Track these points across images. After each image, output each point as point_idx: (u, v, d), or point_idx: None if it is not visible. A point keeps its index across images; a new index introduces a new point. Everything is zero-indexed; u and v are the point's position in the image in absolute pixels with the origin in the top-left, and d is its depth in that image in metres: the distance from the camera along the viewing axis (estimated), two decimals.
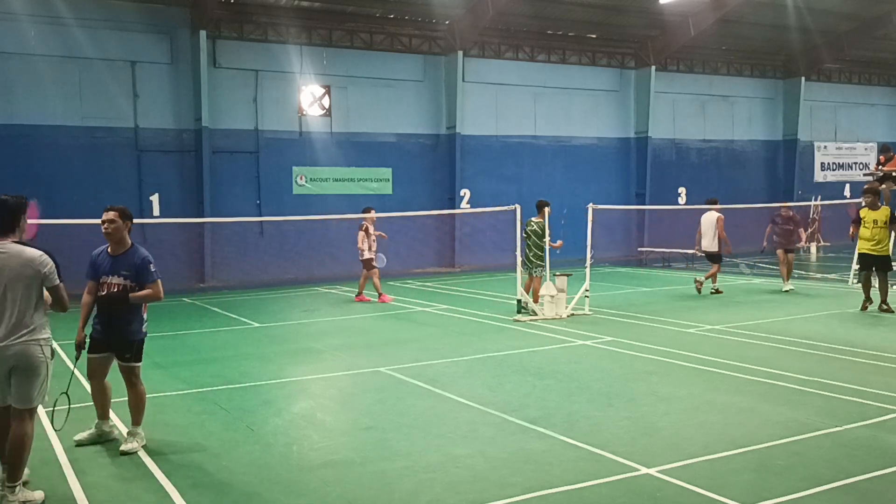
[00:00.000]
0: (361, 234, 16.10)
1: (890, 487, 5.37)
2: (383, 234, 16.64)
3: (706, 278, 16.40)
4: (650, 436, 6.58)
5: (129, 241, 6.83)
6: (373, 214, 16.25)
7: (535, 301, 13.68)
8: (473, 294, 17.33)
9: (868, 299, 13.41)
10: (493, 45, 24.75)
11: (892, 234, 13.77)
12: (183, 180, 20.65)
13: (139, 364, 6.80)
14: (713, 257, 16.68)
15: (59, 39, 19.00)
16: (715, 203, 17.16)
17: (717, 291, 16.28)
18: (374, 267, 16.10)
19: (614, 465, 5.86)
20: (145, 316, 6.80)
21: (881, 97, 33.45)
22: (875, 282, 13.44)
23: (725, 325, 12.23)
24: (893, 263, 13.74)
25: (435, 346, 11.05)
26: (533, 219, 14.16)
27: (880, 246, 13.30)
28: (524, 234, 14.08)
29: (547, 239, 13.79)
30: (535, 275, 14.10)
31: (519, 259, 13.72)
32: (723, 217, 16.64)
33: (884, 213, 13.35)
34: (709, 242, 16.64)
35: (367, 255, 16.08)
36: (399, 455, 6.19)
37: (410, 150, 23.76)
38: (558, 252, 14.43)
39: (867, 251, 13.42)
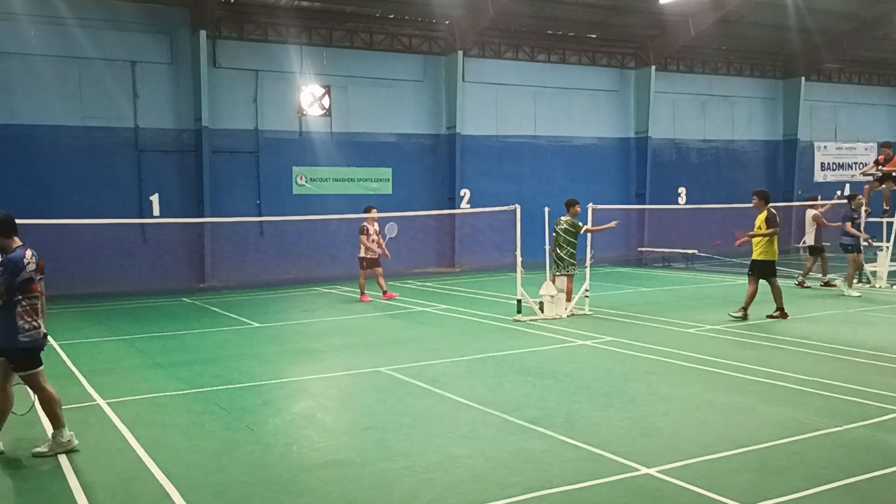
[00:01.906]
0: (363, 237, 16.16)
1: (890, 487, 5.37)
2: (386, 253, 16.49)
3: (806, 274, 17.57)
4: (650, 436, 6.57)
5: (13, 246, 6.46)
6: (373, 214, 16.28)
7: (569, 300, 13.69)
8: (473, 294, 17.32)
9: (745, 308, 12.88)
10: (493, 45, 24.75)
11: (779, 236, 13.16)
12: (183, 180, 20.64)
13: (26, 373, 6.49)
14: (812, 250, 17.65)
15: (59, 39, 19.00)
16: (814, 200, 18.27)
17: (802, 285, 17.09)
18: (366, 268, 16.22)
19: (614, 465, 5.86)
20: (23, 324, 6.35)
21: (881, 97, 33.44)
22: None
23: (725, 325, 12.23)
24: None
25: (435, 346, 11.05)
26: (562, 218, 14.07)
27: (758, 251, 12.84)
28: (553, 234, 13.96)
29: (591, 228, 14.01)
30: (569, 273, 13.87)
31: (520, 260, 13.67)
32: (817, 213, 17.66)
33: (762, 216, 12.86)
34: (810, 238, 17.66)
35: (362, 253, 16.20)
36: (399, 455, 6.18)
37: (410, 150, 23.76)
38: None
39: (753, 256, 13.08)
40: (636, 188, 27.43)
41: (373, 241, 16.19)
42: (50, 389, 6.61)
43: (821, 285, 17.10)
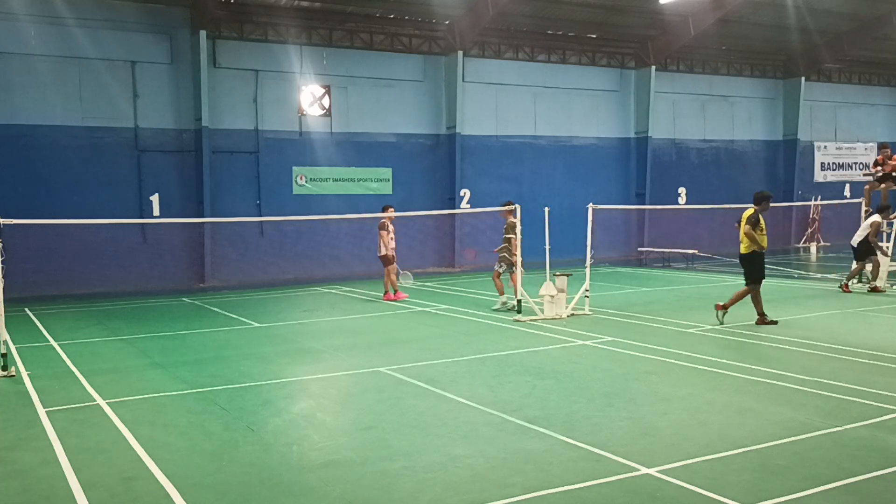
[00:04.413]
0: (384, 233, 16.15)
1: (890, 487, 5.36)
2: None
3: (851, 277, 16.32)
4: (650, 436, 6.57)
5: None
6: (391, 213, 16.31)
7: (502, 293, 14.48)
8: (473, 294, 17.31)
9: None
10: (493, 45, 24.76)
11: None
12: (183, 180, 20.66)
13: None
14: (862, 254, 16.24)
15: (59, 39, 19.01)
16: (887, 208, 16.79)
17: (874, 289, 15.96)
18: (392, 263, 16.21)
19: (614, 465, 5.86)
20: None
21: (881, 97, 33.47)
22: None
23: (725, 325, 12.22)
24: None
25: (435, 346, 11.05)
26: (513, 220, 14.43)
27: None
28: (506, 238, 14.52)
29: (516, 238, 13.99)
30: (513, 272, 14.26)
31: (520, 260, 13.69)
32: (877, 222, 16.16)
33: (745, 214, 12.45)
34: (856, 239, 16.35)
35: (382, 251, 16.19)
36: (399, 455, 6.18)
37: (410, 150, 23.77)
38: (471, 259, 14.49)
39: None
40: (636, 188, 27.44)
41: (392, 238, 16.24)
42: None
43: (868, 290, 16.02)
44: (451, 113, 23.89)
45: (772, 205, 12.73)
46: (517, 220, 14.19)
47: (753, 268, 12.37)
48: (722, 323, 12.16)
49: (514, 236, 14.10)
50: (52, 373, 9.59)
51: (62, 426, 7.11)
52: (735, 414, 7.18)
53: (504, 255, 14.51)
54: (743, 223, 12.37)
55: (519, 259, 13.67)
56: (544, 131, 25.88)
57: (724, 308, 12.28)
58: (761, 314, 12.21)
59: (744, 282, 12.44)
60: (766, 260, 12.66)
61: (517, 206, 13.76)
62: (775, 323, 12.09)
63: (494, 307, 14.57)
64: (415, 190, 23.52)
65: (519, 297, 13.37)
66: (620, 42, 26.68)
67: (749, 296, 12.30)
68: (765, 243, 12.28)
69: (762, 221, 12.26)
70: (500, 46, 24.89)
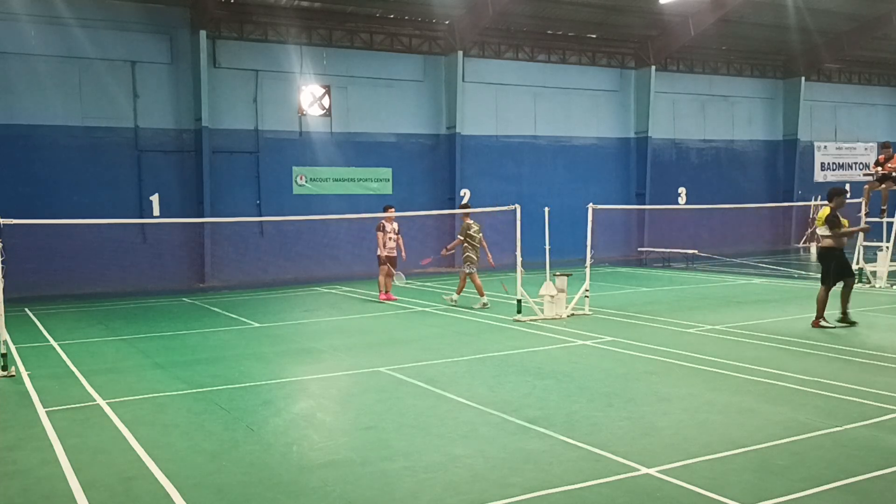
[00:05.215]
0: (379, 234, 16.21)
1: (890, 487, 5.36)
2: (403, 252, 16.74)
3: None
4: (650, 436, 6.57)
5: None
6: (391, 213, 16.36)
7: (482, 294, 15.15)
8: (473, 294, 17.30)
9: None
10: (493, 45, 24.76)
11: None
12: (183, 180, 20.66)
13: None
14: None
15: (59, 39, 19.01)
16: None
17: None
18: (385, 264, 16.22)
19: (614, 465, 5.86)
20: None
21: (881, 97, 33.47)
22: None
23: (725, 325, 12.22)
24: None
25: (435, 346, 11.05)
26: (471, 221, 15.30)
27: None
28: (464, 237, 15.23)
29: (471, 239, 15.09)
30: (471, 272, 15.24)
31: (520, 260, 13.68)
32: None
33: (825, 212, 12.14)
34: None
35: (378, 251, 16.24)
36: (399, 455, 6.18)
37: (410, 150, 23.77)
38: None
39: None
40: (636, 188, 27.44)
41: (389, 238, 16.26)
42: None
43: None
44: (451, 113, 23.89)
45: (771, 205, 12.71)
46: (472, 222, 15.23)
47: (826, 267, 11.96)
48: (854, 323, 11.77)
49: (462, 237, 15.15)
50: (52, 373, 9.59)
51: (62, 426, 7.11)
52: (735, 414, 7.18)
53: (468, 255, 15.15)
54: (820, 223, 12.02)
55: (519, 259, 13.65)
56: (544, 131, 25.88)
57: (845, 316, 11.80)
58: (819, 317, 11.79)
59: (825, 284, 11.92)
60: (767, 260, 12.55)
61: (517, 206, 13.74)
62: (831, 327, 11.70)
63: (475, 306, 14.91)
64: (415, 190, 23.52)
65: (519, 297, 13.37)
66: (620, 42, 26.68)
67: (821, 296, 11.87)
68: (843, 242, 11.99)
69: (841, 218, 11.91)
70: (500, 46, 24.89)
